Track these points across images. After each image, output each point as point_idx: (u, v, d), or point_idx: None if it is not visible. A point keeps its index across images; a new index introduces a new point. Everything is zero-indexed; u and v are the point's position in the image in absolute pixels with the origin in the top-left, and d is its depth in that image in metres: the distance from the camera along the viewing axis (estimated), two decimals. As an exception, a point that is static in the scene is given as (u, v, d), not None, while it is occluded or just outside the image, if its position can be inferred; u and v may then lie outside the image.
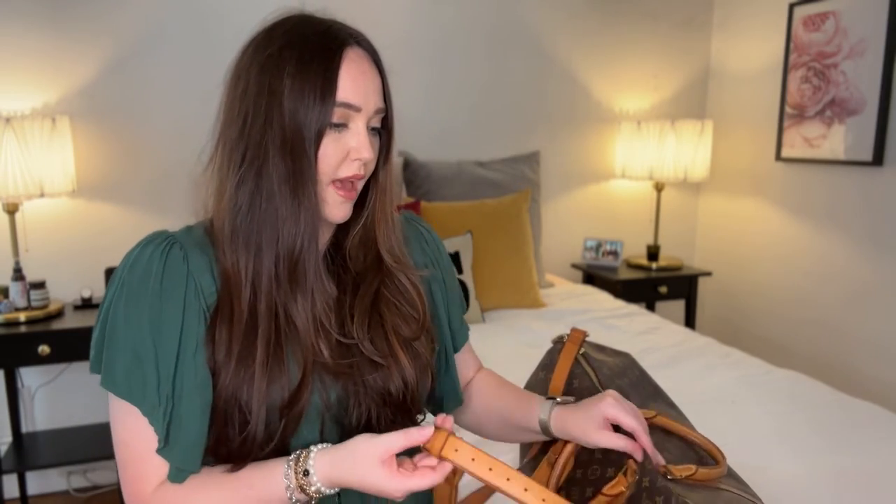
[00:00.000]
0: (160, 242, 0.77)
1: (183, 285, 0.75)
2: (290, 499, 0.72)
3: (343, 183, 0.78)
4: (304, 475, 0.71)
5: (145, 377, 0.73)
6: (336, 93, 0.75)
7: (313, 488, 0.71)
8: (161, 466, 0.74)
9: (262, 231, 0.76)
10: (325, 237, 0.86)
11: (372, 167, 0.82)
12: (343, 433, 0.80)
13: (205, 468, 0.76)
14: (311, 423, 0.78)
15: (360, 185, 0.81)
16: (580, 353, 1.00)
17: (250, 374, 0.74)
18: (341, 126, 0.77)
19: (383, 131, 0.83)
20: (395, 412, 0.82)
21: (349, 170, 0.77)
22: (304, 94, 0.74)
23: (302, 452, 0.73)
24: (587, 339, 1.03)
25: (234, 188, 0.76)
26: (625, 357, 1.05)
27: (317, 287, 0.78)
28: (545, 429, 0.88)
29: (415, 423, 0.85)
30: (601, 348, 1.06)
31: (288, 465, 0.72)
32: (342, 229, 0.87)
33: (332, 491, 0.72)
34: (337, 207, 0.79)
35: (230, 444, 0.75)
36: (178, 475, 0.75)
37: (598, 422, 0.83)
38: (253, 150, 0.75)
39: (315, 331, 0.78)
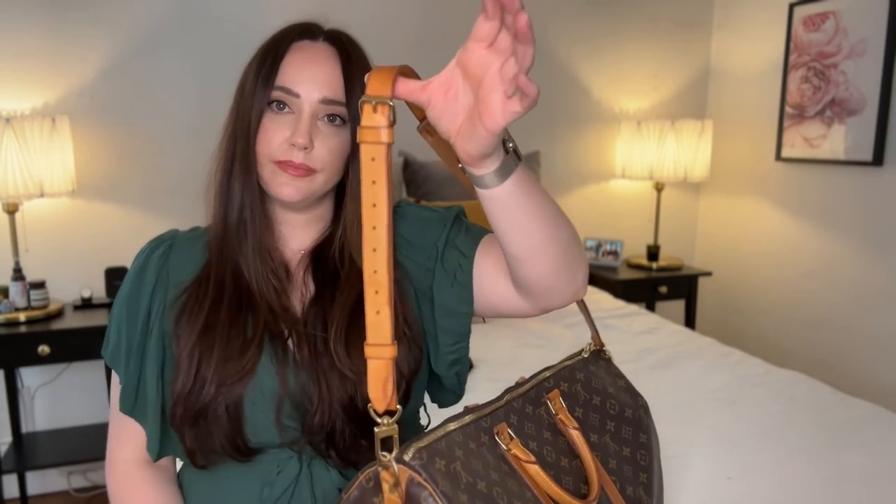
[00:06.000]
0: (151, 243, 0.89)
1: (154, 277, 0.85)
2: None
3: (283, 164, 0.80)
4: None
5: (121, 347, 0.85)
6: (276, 77, 0.80)
7: None
8: (135, 434, 0.86)
9: (224, 203, 0.85)
10: (296, 237, 0.88)
11: (325, 160, 0.81)
12: (304, 429, 0.79)
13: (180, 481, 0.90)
14: (265, 404, 0.78)
15: (318, 177, 0.81)
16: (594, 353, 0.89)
17: (214, 326, 0.80)
18: (282, 106, 0.80)
19: (346, 127, 0.82)
20: (359, 428, 0.79)
21: (284, 154, 0.80)
22: (256, 81, 0.81)
23: None
24: (608, 356, 0.92)
25: (219, 170, 0.86)
26: (634, 398, 0.89)
27: (262, 259, 0.84)
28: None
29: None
30: (619, 375, 0.92)
31: None
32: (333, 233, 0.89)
33: None
34: (283, 185, 0.81)
35: (189, 393, 0.78)
36: (150, 447, 0.85)
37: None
38: (228, 137, 0.84)
39: (266, 301, 0.83)
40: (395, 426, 0.57)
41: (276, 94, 0.80)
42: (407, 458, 0.59)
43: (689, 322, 3.03)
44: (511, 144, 0.62)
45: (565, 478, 0.73)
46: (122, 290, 0.87)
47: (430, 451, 0.61)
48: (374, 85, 0.55)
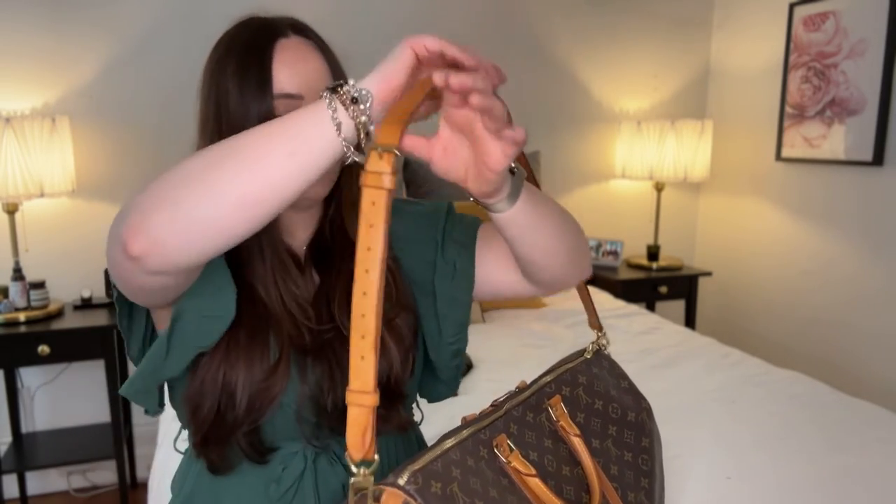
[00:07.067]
0: None
1: None
2: (338, 132, 0.59)
3: None
4: (353, 102, 0.60)
5: None
6: (272, 85, 0.76)
7: (363, 117, 0.60)
8: None
9: None
10: (303, 228, 0.87)
11: None
12: (320, 416, 0.80)
13: None
14: (287, 407, 0.79)
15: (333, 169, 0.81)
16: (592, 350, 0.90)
17: (236, 354, 0.76)
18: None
19: None
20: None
21: None
22: (244, 91, 0.76)
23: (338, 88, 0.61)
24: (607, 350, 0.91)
25: None
26: (637, 400, 0.87)
27: (278, 270, 0.81)
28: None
29: (398, 412, 0.83)
30: (621, 375, 0.90)
31: (328, 100, 0.60)
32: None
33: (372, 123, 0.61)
34: (307, 190, 0.78)
35: (214, 423, 0.77)
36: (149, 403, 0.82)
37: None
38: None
39: (289, 313, 0.80)
40: (371, 478, 0.54)
41: (279, 103, 0.77)
42: (402, 482, 0.58)
43: (689, 322, 3.03)
44: (513, 164, 0.66)
45: (566, 487, 0.73)
46: None
47: (426, 473, 0.60)
48: (384, 133, 0.55)
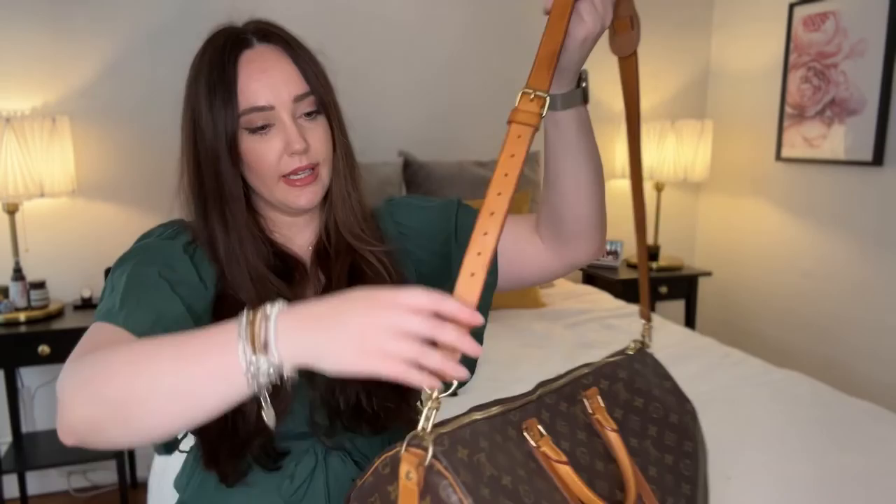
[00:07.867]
0: (174, 226, 0.85)
1: (188, 258, 0.81)
2: (249, 379, 0.55)
3: (292, 174, 0.80)
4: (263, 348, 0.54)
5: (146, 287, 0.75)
6: (238, 102, 0.77)
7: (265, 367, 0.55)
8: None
9: (211, 239, 0.81)
10: (302, 231, 0.88)
11: (321, 151, 0.82)
12: (333, 417, 0.80)
13: None
14: (298, 410, 0.79)
15: (321, 170, 0.82)
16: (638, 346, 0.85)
17: None
18: (266, 127, 0.78)
19: (322, 114, 0.83)
20: (387, 393, 0.80)
21: (289, 165, 0.79)
22: (213, 110, 0.77)
23: (256, 313, 0.56)
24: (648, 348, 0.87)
25: (194, 207, 0.83)
26: (681, 402, 0.82)
27: (263, 284, 0.81)
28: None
29: (409, 406, 0.84)
30: (665, 376, 0.84)
31: (242, 334, 0.55)
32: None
33: (286, 375, 0.56)
34: (299, 197, 0.80)
35: (225, 438, 0.76)
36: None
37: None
38: (191, 171, 0.81)
39: None
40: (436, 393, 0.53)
41: (249, 118, 0.78)
42: (426, 442, 0.54)
43: (689, 322, 3.02)
44: (584, 84, 0.76)
45: (599, 482, 0.67)
46: (140, 259, 0.78)
47: (454, 438, 0.55)
48: (536, 79, 0.61)
